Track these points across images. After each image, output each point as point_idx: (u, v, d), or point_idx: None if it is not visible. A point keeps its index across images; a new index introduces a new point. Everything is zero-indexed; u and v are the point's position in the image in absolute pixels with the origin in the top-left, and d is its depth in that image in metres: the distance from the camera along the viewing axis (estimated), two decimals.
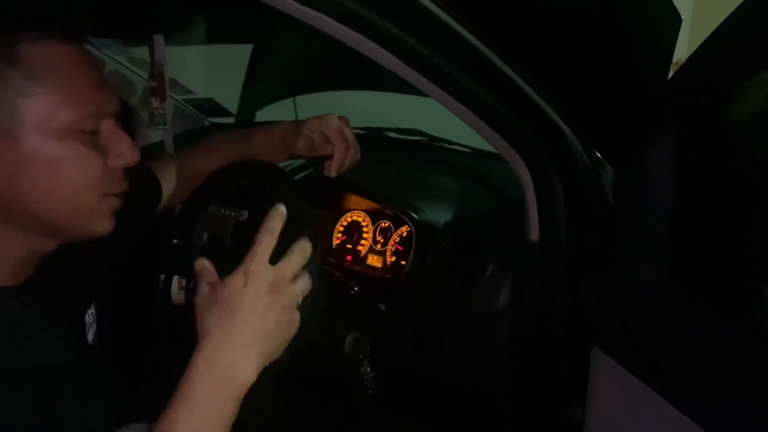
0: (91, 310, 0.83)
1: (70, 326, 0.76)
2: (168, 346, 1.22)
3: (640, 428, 0.81)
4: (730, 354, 0.70)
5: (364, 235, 1.34)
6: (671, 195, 0.78)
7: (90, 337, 0.81)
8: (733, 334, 0.72)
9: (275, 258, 0.72)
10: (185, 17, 1.16)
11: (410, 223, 1.21)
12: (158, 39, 1.25)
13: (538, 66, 0.94)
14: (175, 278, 1.27)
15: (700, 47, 0.74)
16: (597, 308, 0.89)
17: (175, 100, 1.96)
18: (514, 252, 1.06)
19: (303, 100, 2.14)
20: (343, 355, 1.17)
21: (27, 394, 0.62)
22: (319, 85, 2.20)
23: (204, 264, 0.76)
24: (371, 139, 1.77)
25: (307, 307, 0.92)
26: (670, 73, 1.09)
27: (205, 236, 1.20)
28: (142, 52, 1.77)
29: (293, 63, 2.11)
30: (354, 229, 1.36)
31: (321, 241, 1.37)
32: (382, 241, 1.31)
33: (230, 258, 1.19)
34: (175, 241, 1.17)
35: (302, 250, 0.73)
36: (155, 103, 1.29)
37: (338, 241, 1.38)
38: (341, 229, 1.38)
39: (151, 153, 1.78)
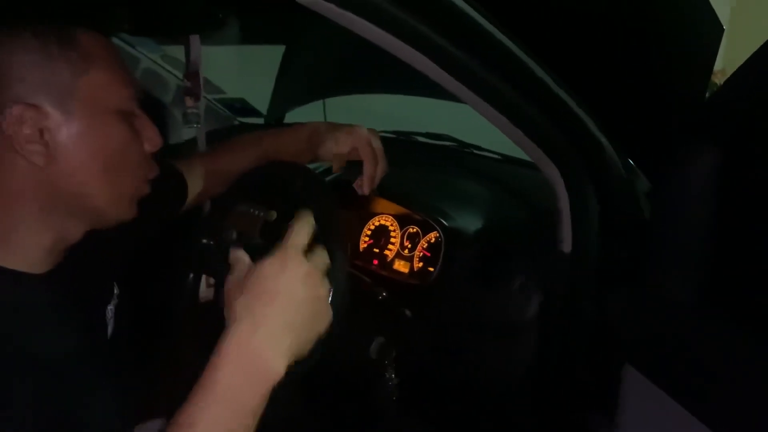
0: (111, 306, 0.84)
1: (91, 320, 0.77)
2: (193, 345, 1.24)
3: None
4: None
5: (392, 240, 1.33)
6: (711, 212, 0.76)
7: (109, 332, 0.82)
8: None
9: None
10: (221, 18, 1.17)
11: (439, 230, 1.20)
12: (194, 39, 1.26)
13: (576, 74, 0.93)
14: (204, 276, 1.28)
15: (750, 60, 0.71)
16: (627, 323, 0.87)
17: (207, 99, 1.98)
18: (543, 262, 1.05)
19: (332, 102, 2.15)
20: (367, 360, 1.17)
21: (42, 384, 0.61)
22: (349, 87, 2.21)
23: (239, 255, 0.73)
24: (401, 143, 1.76)
25: (334, 308, 0.92)
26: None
27: (234, 235, 1.21)
28: (176, 51, 1.80)
29: (324, 65, 2.11)
30: (381, 234, 1.36)
31: (348, 244, 1.37)
32: (409, 246, 1.30)
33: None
34: (204, 240, 1.18)
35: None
36: (189, 102, 1.30)
37: (365, 245, 1.37)
38: (368, 232, 1.38)
39: (183, 151, 1.80)
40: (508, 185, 1.35)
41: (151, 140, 0.72)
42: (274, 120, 2.16)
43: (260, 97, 2.15)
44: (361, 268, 1.31)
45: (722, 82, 0.91)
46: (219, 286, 1.26)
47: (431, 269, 1.22)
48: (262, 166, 1.31)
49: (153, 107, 1.85)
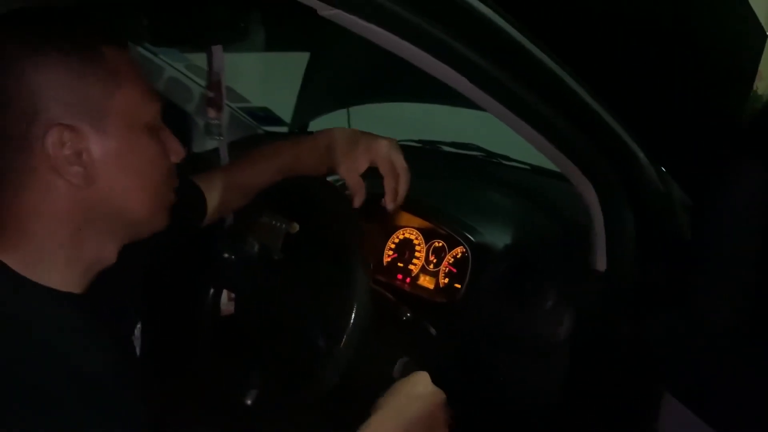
0: (138, 325, 0.83)
1: (124, 339, 0.78)
2: (214, 360, 1.22)
3: None
4: None
5: (416, 254, 1.30)
6: (760, 234, 0.71)
7: (137, 351, 0.82)
8: None
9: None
10: (244, 27, 1.15)
11: (466, 245, 1.16)
12: (217, 50, 1.25)
13: (610, 84, 0.88)
14: (225, 291, 1.26)
15: None
16: (668, 350, 0.82)
17: (231, 108, 1.97)
18: (576, 281, 1.00)
19: (357, 111, 2.13)
20: (391, 381, 1.13)
21: (84, 405, 0.61)
22: (373, 96, 2.19)
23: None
24: (425, 153, 1.73)
25: (356, 329, 0.89)
26: None
27: (255, 248, 1.19)
28: (200, 60, 1.79)
29: (349, 73, 2.09)
30: (406, 247, 1.32)
31: (371, 259, 1.34)
32: (435, 261, 1.26)
33: (278, 273, 1.18)
34: (225, 254, 1.16)
35: None
36: (212, 113, 1.28)
37: (389, 259, 1.34)
38: (392, 246, 1.35)
39: (205, 161, 1.79)
40: (537, 198, 1.30)
41: (176, 151, 0.73)
42: (298, 128, 2.15)
43: (284, 106, 2.13)
44: (384, 283, 1.28)
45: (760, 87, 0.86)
46: (240, 300, 1.24)
47: (458, 285, 1.18)
48: (284, 179, 1.29)
49: (177, 117, 1.84)
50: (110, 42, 0.65)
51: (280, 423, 1.02)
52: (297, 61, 2.07)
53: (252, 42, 1.91)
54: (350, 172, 0.96)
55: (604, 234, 0.94)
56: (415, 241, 1.31)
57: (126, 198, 0.67)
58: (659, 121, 0.93)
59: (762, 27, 0.97)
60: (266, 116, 2.09)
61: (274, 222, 1.25)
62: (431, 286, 1.24)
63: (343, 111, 2.14)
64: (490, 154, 1.58)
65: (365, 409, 1.23)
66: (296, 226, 1.26)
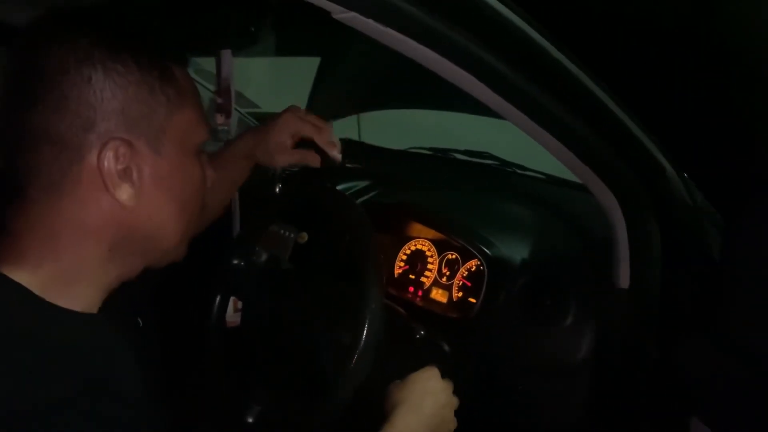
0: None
1: (137, 356, 0.75)
2: (220, 369, 1.18)
3: None
4: None
5: (429, 267, 1.26)
6: None
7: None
8: None
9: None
10: (254, 32, 1.12)
11: (482, 259, 1.12)
12: (226, 54, 1.22)
13: (636, 93, 0.84)
14: (231, 301, 1.23)
15: None
16: (698, 373, 0.78)
17: (240, 113, 1.95)
18: (598, 297, 0.96)
19: (367, 117, 2.10)
20: None
21: (123, 425, 0.59)
22: (383, 103, 2.16)
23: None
24: (437, 161, 1.69)
25: (368, 347, 0.85)
26: None
27: (264, 257, 1.16)
28: (210, 64, 1.76)
29: (359, 80, 2.07)
30: (418, 259, 1.28)
31: (384, 276, 1.30)
32: (448, 273, 1.22)
33: (287, 283, 1.14)
34: (234, 261, 1.13)
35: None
36: (220, 119, 1.25)
37: (400, 271, 1.30)
38: (404, 257, 1.30)
39: None
40: (556, 209, 1.25)
41: (211, 177, 0.72)
42: None
43: None
44: (395, 297, 1.24)
45: None
46: (246, 310, 1.21)
47: (472, 300, 1.14)
48: (295, 188, 1.26)
49: None
50: (179, 61, 0.64)
51: None
52: (308, 67, 2.04)
53: (263, 46, 1.89)
54: (284, 156, 0.99)
55: (628, 248, 0.90)
56: (428, 253, 1.27)
57: (164, 223, 0.65)
58: (687, 131, 0.89)
59: None
60: None
61: (282, 231, 1.22)
62: (444, 300, 1.20)
63: (354, 118, 2.12)
64: (505, 163, 1.54)
65: (373, 426, 1.19)
66: (305, 236, 1.23)
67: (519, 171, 1.51)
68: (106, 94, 0.57)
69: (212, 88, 1.80)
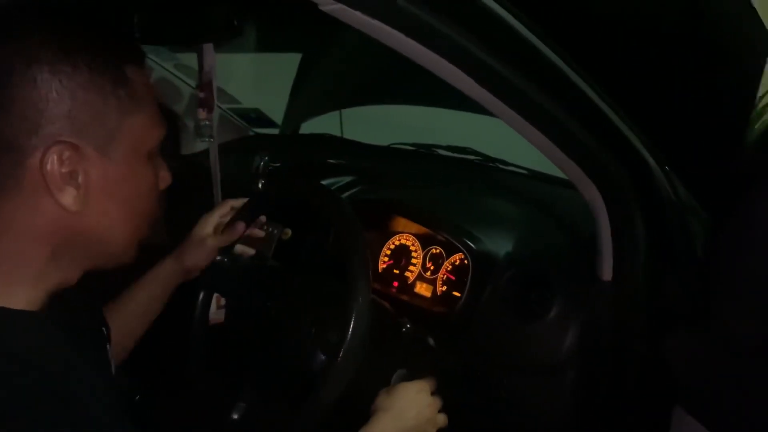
0: (109, 343, 0.80)
1: (96, 358, 0.74)
2: (204, 367, 1.17)
3: None
4: None
5: (413, 261, 1.26)
6: None
7: (112, 369, 0.78)
8: None
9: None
10: (237, 25, 1.10)
11: (466, 253, 1.12)
12: (208, 48, 1.20)
13: (618, 86, 0.85)
14: (214, 298, 1.22)
15: None
16: (685, 368, 0.79)
17: (221, 109, 1.93)
18: (583, 291, 0.97)
19: (349, 113, 2.10)
20: None
21: (68, 425, 0.57)
22: (366, 98, 2.15)
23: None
24: (421, 156, 1.69)
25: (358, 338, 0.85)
26: None
27: (247, 254, 1.15)
28: (190, 60, 1.74)
29: (341, 75, 2.06)
30: (402, 254, 1.28)
31: (370, 271, 1.29)
32: (432, 268, 1.22)
33: (271, 278, 1.14)
34: (217, 258, 1.12)
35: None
36: (203, 114, 1.24)
37: (384, 266, 1.30)
38: (388, 252, 1.30)
39: (195, 164, 1.74)
40: (540, 204, 1.26)
41: (165, 179, 0.70)
42: (290, 131, 2.11)
43: (276, 108, 2.10)
44: (380, 292, 1.24)
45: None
46: (230, 307, 1.20)
47: (457, 294, 1.14)
48: (278, 185, 1.25)
49: (165, 118, 1.79)
50: (134, 61, 0.62)
51: None
52: (290, 62, 2.03)
53: (244, 42, 1.88)
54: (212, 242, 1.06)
55: (611, 241, 0.91)
56: (412, 248, 1.27)
57: (112, 226, 0.63)
58: (668, 125, 0.90)
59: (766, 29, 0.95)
60: (257, 118, 2.06)
61: (266, 227, 1.21)
62: (428, 294, 1.20)
63: (336, 114, 2.11)
64: (488, 159, 1.55)
65: (360, 420, 1.19)
66: (289, 232, 1.22)
67: (502, 166, 1.52)
68: (53, 96, 0.55)
69: (193, 83, 1.79)
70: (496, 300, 1.04)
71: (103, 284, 0.89)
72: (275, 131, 2.10)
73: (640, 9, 0.84)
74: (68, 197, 0.58)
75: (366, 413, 1.17)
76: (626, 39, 0.84)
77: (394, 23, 0.64)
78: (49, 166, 0.56)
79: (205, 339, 1.15)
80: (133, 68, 0.61)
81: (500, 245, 1.13)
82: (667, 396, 0.84)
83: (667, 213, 0.87)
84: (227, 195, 1.29)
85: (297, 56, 2.03)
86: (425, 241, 1.25)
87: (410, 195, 1.37)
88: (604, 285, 0.92)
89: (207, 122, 1.24)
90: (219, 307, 1.29)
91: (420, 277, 1.24)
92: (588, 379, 0.95)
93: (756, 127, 0.94)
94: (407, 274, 1.26)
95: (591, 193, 0.90)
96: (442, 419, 0.91)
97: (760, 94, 1.02)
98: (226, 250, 1.11)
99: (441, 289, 1.19)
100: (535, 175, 1.42)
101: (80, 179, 0.58)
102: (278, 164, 1.22)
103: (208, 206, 1.28)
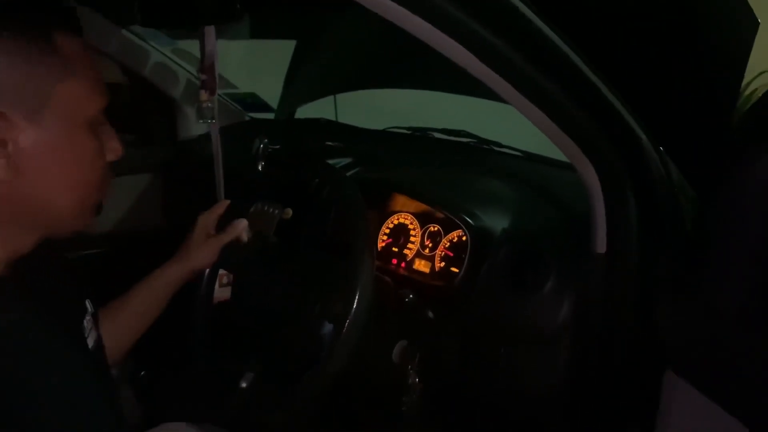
0: (89, 316, 0.81)
1: (67, 330, 0.74)
2: (206, 343, 1.20)
3: None
4: None
5: (412, 239, 1.29)
6: None
7: (90, 343, 0.78)
8: None
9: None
10: (240, 9, 1.12)
11: (465, 229, 1.16)
12: (209, 31, 1.21)
13: (615, 68, 0.88)
14: (218, 276, 1.24)
15: None
16: (676, 334, 0.83)
17: (218, 94, 1.94)
18: (577, 264, 1.00)
19: (344, 98, 2.11)
20: (389, 364, 1.12)
21: (30, 399, 0.60)
22: (360, 83, 2.17)
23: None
24: (416, 140, 1.72)
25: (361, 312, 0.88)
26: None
27: (249, 233, 1.18)
28: (187, 44, 1.75)
29: (336, 60, 2.08)
30: (400, 232, 1.31)
31: (374, 247, 1.32)
32: (430, 245, 1.26)
33: (273, 254, 1.16)
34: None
35: None
36: (204, 96, 1.25)
37: (383, 244, 1.33)
38: (387, 231, 1.34)
39: (197, 146, 1.76)
40: (535, 184, 1.30)
41: (114, 150, 0.70)
42: (286, 116, 2.12)
43: (272, 92, 2.11)
44: (380, 268, 1.27)
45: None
46: (234, 284, 1.22)
47: (455, 270, 1.18)
48: (280, 165, 1.27)
49: (163, 102, 1.81)
50: (64, 29, 0.61)
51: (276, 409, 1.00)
52: (285, 47, 2.04)
53: (241, 27, 1.88)
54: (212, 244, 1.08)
55: (605, 216, 0.94)
56: (410, 226, 1.30)
57: (52, 195, 0.63)
58: (659, 106, 0.94)
59: (753, 14, 0.99)
60: (253, 103, 2.07)
61: (266, 208, 1.23)
62: (427, 270, 1.24)
63: (330, 99, 2.13)
64: (482, 141, 1.59)
65: (363, 392, 1.23)
66: (290, 212, 1.25)
67: (495, 148, 1.56)
68: None
69: (190, 68, 1.80)
70: (494, 275, 1.08)
71: (107, 282, 0.91)
72: (271, 116, 2.11)
73: None
74: None
75: (368, 383, 1.21)
76: (616, 23, 0.87)
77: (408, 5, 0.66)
78: None
79: (211, 313, 1.18)
80: (64, 35, 0.61)
81: (497, 222, 1.17)
82: (658, 361, 0.88)
83: (659, 190, 0.91)
84: (227, 176, 1.30)
85: (292, 42, 2.04)
86: (423, 220, 1.28)
87: (409, 176, 1.40)
88: (598, 257, 0.96)
89: (209, 104, 1.26)
90: (221, 284, 1.31)
91: (419, 254, 1.27)
92: (582, 348, 0.99)
93: (742, 105, 0.98)
94: (406, 251, 1.29)
95: (586, 169, 0.93)
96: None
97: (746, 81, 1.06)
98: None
99: (439, 265, 1.22)
100: (529, 157, 1.46)
101: (9, 148, 0.58)
102: (277, 146, 1.25)
103: (209, 188, 1.30)
